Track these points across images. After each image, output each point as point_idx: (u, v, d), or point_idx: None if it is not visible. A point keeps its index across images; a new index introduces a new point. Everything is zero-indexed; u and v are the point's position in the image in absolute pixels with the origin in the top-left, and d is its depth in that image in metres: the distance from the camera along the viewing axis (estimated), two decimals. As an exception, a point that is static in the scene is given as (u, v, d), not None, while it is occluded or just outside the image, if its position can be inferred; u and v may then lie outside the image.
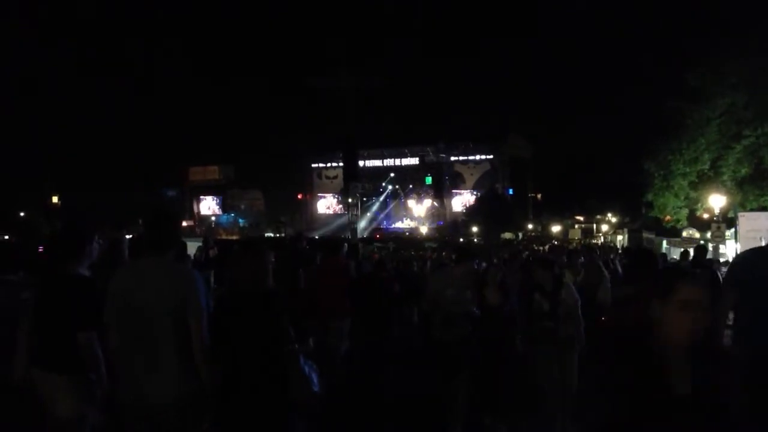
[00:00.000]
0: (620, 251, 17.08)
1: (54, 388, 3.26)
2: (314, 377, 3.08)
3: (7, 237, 26.88)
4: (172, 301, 2.87)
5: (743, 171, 20.26)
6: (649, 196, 23.78)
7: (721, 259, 13.82)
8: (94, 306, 3.10)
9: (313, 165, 71.00)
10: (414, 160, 66.92)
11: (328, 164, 70.29)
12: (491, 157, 65.29)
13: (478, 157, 66.04)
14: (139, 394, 2.86)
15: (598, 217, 49.76)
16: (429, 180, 65.07)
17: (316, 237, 35.48)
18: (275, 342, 3.03)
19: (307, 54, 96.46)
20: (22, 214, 41.16)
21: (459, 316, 5.20)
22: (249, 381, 3.01)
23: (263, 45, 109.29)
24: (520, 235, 51.54)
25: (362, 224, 61.66)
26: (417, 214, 65.66)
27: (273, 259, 3.33)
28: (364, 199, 63.80)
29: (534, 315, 5.35)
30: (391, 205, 67.24)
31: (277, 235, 49.10)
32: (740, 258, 4.48)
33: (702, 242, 19.64)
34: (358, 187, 60.19)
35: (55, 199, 36.88)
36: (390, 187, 66.67)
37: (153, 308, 2.87)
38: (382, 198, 67.06)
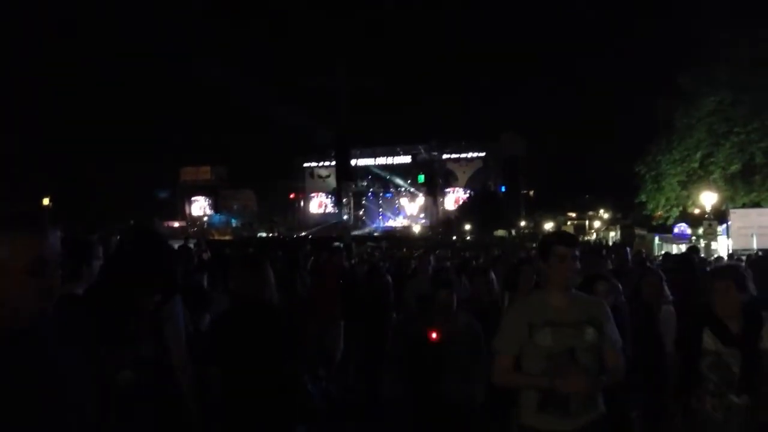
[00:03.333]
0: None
1: None
2: (315, 391, 3.06)
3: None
4: None
5: (733, 167, 20.36)
6: (642, 197, 23.88)
7: (713, 256, 13.81)
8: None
9: (305, 164, 70.82)
10: (406, 159, 66.96)
11: (320, 163, 70.11)
12: (483, 154, 65.43)
13: (470, 154, 66.17)
14: None
15: (591, 213, 49.86)
16: (421, 178, 65.18)
17: (309, 237, 35.29)
18: (278, 357, 3.00)
19: (301, 53, 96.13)
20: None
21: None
22: (252, 397, 2.96)
23: (255, 45, 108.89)
24: (513, 232, 51.64)
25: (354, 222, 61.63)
26: (409, 212, 65.71)
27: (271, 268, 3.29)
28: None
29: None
30: (383, 204, 67.25)
31: (270, 234, 48.96)
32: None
33: (693, 238, 19.76)
34: (351, 186, 60.14)
35: (46, 201, 36.57)
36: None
37: None
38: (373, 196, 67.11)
